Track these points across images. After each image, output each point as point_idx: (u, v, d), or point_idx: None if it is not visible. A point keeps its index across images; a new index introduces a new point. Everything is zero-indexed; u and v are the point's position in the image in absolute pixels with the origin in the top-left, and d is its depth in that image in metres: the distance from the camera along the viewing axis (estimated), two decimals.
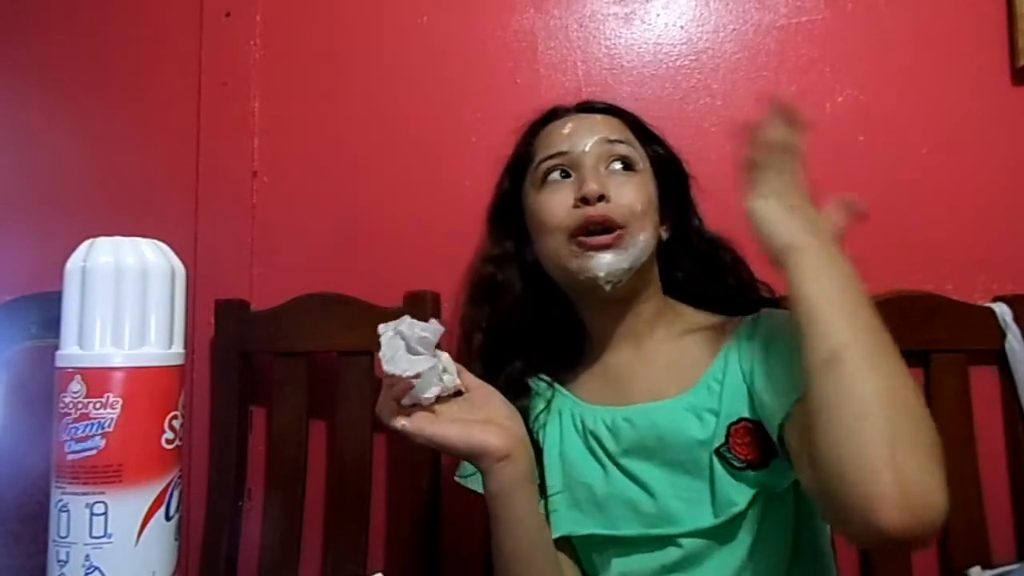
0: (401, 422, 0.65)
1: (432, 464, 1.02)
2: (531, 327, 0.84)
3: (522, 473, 0.68)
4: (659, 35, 1.13)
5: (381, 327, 0.64)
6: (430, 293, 1.06)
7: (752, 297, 0.84)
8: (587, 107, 0.85)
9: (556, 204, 0.76)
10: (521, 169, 0.84)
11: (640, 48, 1.13)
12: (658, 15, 1.13)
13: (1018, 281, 1.03)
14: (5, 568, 0.97)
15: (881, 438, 0.52)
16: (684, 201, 0.86)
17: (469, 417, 0.67)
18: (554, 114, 0.85)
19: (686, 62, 1.12)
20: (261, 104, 1.19)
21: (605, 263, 0.73)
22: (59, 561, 0.51)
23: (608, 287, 0.74)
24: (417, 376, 0.63)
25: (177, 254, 0.58)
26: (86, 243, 0.55)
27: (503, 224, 0.87)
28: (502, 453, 0.66)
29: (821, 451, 0.55)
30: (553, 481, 0.78)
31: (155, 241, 0.57)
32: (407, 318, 0.64)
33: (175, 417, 0.54)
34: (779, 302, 0.81)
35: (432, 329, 0.64)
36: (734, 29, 1.12)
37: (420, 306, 1.04)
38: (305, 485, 1.07)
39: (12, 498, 0.98)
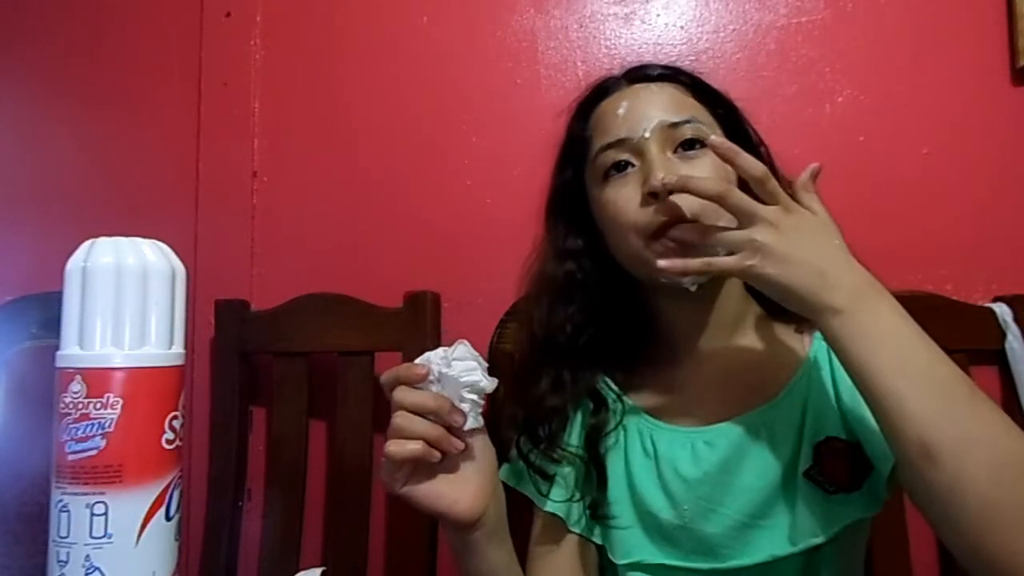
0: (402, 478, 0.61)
1: None
2: (609, 326, 0.76)
3: (487, 533, 0.64)
4: (659, 35, 1.13)
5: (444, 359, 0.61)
6: (430, 293, 1.06)
7: None
8: (640, 75, 0.75)
9: (624, 202, 0.69)
10: (578, 155, 0.76)
11: (640, 48, 1.13)
12: (658, 15, 1.13)
13: (1018, 281, 1.03)
14: (5, 568, 0.97)
15: (1011, 542, 0.49)
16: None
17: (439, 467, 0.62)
18: (604, 90, 0.76)
19: (686, 62, 1.11)
20: (261, 104, 1.19)
21: None
22: (59, 561, 0.51)
23: (694, 287, 0.68)
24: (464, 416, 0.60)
25: (177, 254, 0.58)
26: (87, 243, 0.55)
27: (568, 216, 0.79)
28: (469, 523, 0.62)
29: (948, 543, 0.53)
30: (620, 512, 0.72)
31: (155, 241, 0.57)
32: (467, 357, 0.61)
33: (175, 417, 0.54)
34: None
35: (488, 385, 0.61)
36: (734, 29, 1.11)
37: (420, 306, 1.04)
38: (305, 485, 1.07)
39: (12, 498, 0.98)
